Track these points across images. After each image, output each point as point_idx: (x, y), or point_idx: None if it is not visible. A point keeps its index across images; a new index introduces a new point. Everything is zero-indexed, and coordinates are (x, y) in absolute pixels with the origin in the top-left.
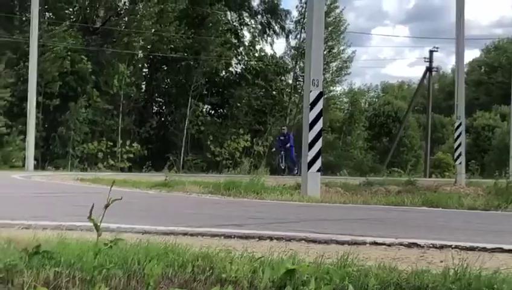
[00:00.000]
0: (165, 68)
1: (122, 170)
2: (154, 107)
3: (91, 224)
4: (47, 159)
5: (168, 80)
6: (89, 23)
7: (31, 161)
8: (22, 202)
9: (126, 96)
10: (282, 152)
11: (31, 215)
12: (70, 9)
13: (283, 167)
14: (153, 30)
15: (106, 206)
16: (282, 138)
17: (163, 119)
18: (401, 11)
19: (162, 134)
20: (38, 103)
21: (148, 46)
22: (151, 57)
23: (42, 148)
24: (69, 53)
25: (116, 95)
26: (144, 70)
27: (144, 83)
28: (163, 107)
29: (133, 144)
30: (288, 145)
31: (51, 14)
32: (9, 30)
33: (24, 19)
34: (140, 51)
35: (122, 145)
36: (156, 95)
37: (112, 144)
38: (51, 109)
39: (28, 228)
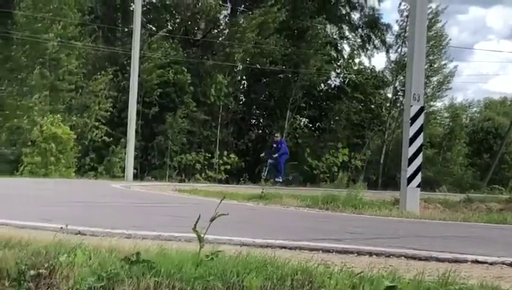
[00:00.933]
0: (264, 80)
1: (219, 181)
2: (252, 120)
3: (189, 235)
4: (145, 169)
5: (267, 92)
6: (190, 35)
7: (130, 171)
8: (122, 212)
9: (225, 107)
10: (270, 161)
11: (131, 224)
12: (172, 21)
13: (264, 177)
14: (253, 42)
15: (212, 220)
16: (274, 145)
17: (260, 131)
18: (505, 26)
19: (259, 146)
20: (137, 112)
21: (248, 59)
22: (250, 69)
23: (141, 158)
24: (170, 64)
25: (214, 106)
26: (243, 82)
27: (242, 95)
28: (261, 120)
29: (230, 156)
30: (277, 154)
31: (151, 26)
32: (112, 42)
33: (126, 30)
34: (239, 63)
35: (219, 157)
36: (254, 107)
37: (209, 155)
38: (150, 118)
39: (129, 237)
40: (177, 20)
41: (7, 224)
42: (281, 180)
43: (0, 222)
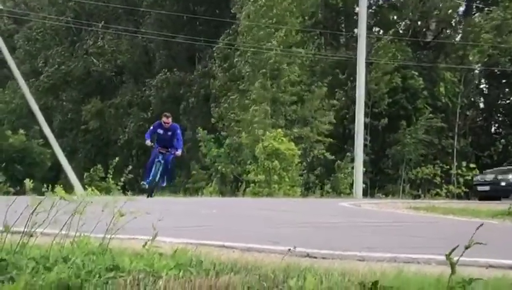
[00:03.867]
0: (505, 83)
1: (458, 196)
2: (492, 127)
3: (428, 256)
4: (376, 184)
5: (510, 97)
6: (420, 37)
7: (359, 187)
8: (353, 232)
9: (462, 115)
10: (159, 157)
11: (363, 246)
12: (399, 23)
13: (146, 185)
14: (482, 40)
15: (467, 248)
16: (160, 130)
17: (502, 140)
18: None
19: (503, 156)
20: (365, 124)
21: (485, 59)
22: (488, 71)
23: (371, 173)
24: (398, 69)
25: (449, 114)
26: (482, 86)
27: (482, 100)
28: (503, 126)
29: (470, 166)
30: (169, 147)
31: (378, 29)
32: (335, 49)
33: (350, 35)
34: (477, 65)
35: (457, 168)
36: (495, 113)
37: (448, 167)
38: (380, 130)
39: (362, 259)
40: (405, 22)
41: (232, 247)
42: (144, 184)
43: (226, 245)
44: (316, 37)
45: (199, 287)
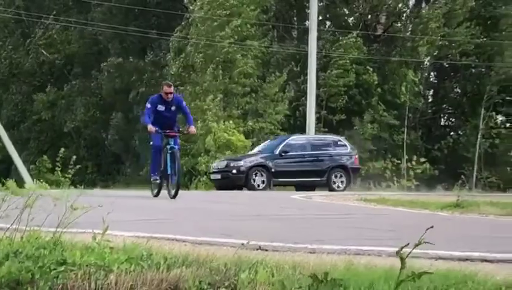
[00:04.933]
0: (454, 76)
1: (408, 189)
2: (442, 120)
3: (379, 248)
4: None
5: (458, 89)
6: (370, 30)
7: None
8: (304, 225)
9: (412, 108)
10: (170, 143)
11: (314, 238)
12: (350, 16)
13: (157, 179)
14: (440, 34)
15: (416, 245)
16: (161, 107)
17: (452, 132)
18: None
19: (452, 149)
20: (319, 118)
21: (435, 52)
22: (438, 64)
23: None
24: (353, 65)
25: (401, 108)
26: (431, 78)
27: (431, 93)
28: (452, 120)
29: (420, 161)
30: (174, 128)
31: (330, 23)
32: (288, 42)
33: (302, 28)
34: (426, 58)
35: (407, 162)
36: (445, 106)
37: (399, 161)
38: (334, 125)
39: (313, 252)
40: (356, 15)
41: (184, 240)
42: (157, 179)
43: (178, 238)
44: (269, 31)
45: (150, 281)
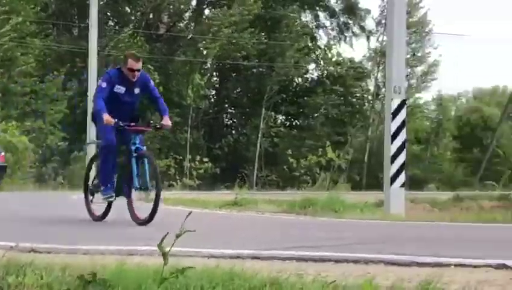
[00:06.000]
0: (236, 76)
1: (191, 187)
2: (225, 119)
3: (154, 247)
4: None
5: (239, 89)
6: (152, 29)
7: None
8: (80, 225)
9: (195, 108)
10: (111, 137)
11: (88, 238)
12: (133, 15)
13: (110, 196)
14: (222, 35)
15: (178, 236)
16: (120, 88)
17: (234, 131)
18: None
19: (233, 148)
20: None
21: (218, 53)
22: (221, 64)
23: None
24: None
25: (185, 107)
26: (214, 79)
27: (214, 93)
28: (234, 119)
29: (203, 160)
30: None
31: (111, 21)
32: (67, 40)
33: (83, 26)
34: (209, 59)
35: (191, 161)
36: (227, 106)
37: (181, 158)
38: None
39: (86, 253)
40: (138, 14)
41: None
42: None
43: None
44: (49, 29)
45: None
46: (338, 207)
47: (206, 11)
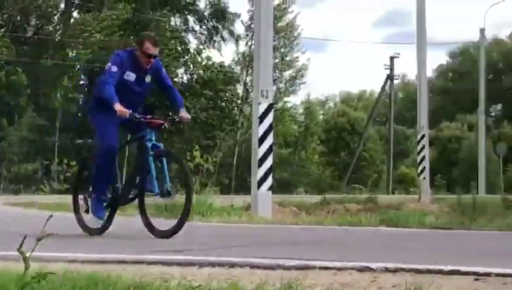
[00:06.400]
0: None
1: (60, 192)
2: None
3: (19, 254)
4: None
5: None
6: (20, 32)
7: None
8: None
9: (64, 111)
10: (113, 135)
11: None
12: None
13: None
14: (92, 39)
15: (39, 239)
16: (131, 74)
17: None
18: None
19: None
20: None
21: (88, 57)
22: (89, 67)
23: None
24: (2, 65)
25: (53, 111)
26: (83, 82)
27: (82, 96)
28: None
29: (71, 164)
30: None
31: None
32: None
33: None
34: (77, 62)
35: (59, 165)
36: None
37: (48, 162)
38: None
39: None
40: (5, 16)
41: None
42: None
43: None
44: None
45: None
46: (205, 211)
47: (75, 14)
